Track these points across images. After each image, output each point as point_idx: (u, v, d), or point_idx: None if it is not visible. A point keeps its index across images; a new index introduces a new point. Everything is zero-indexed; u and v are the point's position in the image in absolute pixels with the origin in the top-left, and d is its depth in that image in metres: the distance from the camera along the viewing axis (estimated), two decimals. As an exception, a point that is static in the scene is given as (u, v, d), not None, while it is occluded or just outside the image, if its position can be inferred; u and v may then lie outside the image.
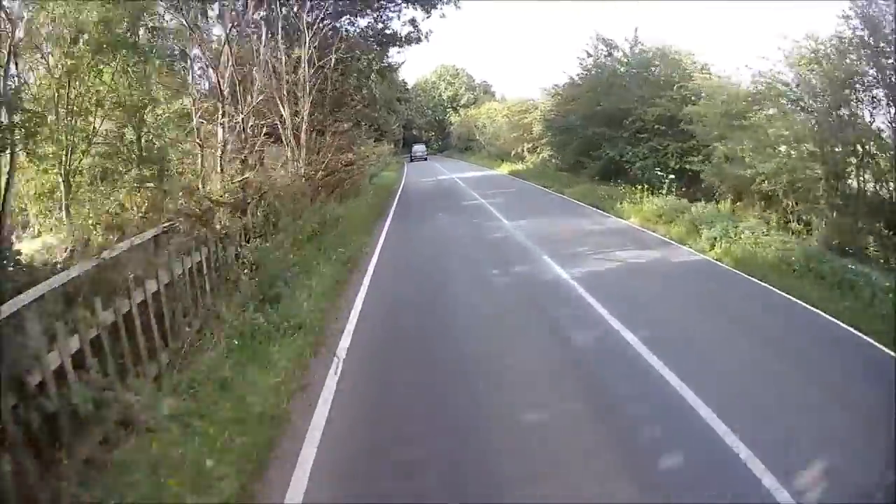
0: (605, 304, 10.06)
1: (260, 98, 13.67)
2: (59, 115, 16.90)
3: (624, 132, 28.67)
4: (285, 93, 18.37)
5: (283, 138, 18.31)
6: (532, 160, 44.39)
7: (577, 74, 34.23)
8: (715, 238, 15.41)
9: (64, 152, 17.07)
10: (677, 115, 26.70)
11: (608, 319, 9.35)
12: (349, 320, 9.65)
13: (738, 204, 19.76)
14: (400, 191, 32.00)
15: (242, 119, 11.77)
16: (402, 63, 26.43)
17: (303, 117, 18.63)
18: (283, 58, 18.70)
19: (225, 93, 12.26)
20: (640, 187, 22.09)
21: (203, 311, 8.28)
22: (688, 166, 25.61)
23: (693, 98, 26.55)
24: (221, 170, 11.76)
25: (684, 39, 65.44)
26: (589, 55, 32.74)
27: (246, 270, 10.01)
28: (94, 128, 18.34)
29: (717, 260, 14.09)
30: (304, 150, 18.50)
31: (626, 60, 31.35)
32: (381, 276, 12.84)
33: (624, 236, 17.06)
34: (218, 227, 10.32)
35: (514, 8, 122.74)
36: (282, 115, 18.06)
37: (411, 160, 66.70)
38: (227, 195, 11.52)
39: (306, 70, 18.56)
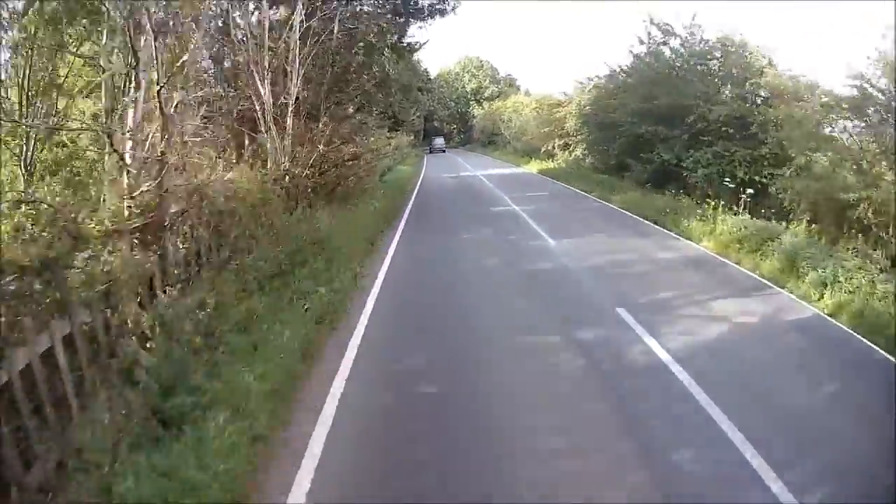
0: (744, 426, 5.83)
1: (193, 65, 9.01)
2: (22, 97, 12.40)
3: (682, 133, 23.84)
4: (267, 65, 13.75)
5: (263, 125, 13.73)
6: (563, 158, 39.51)
7: (626, 64, 29.30)
8: (824, 284, 11.20)
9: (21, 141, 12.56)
10: (748, 116, 22.17)
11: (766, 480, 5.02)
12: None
13: (813, 226, 15.91)
14: (416, 191, 27.35)
15: (158, 92, 7.13)
16: (425, 43, 21.54)
17: (289, 94, 14.00)
18: (267, 21, 14.14)
19: (142, 58, 7.62)
20: (711, 202, 17.37)
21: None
22: (757, 178, 21.35)
23: (762, 97, 22.38)
24: (126, 173, 7.14)
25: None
26: (641, 42, 27.69)
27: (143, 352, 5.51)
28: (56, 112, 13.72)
29: (830, 316, 10.03)
30: (289, 141, 13.88)
31: (682, 51, 26.32)
32: (373, 349, 8.01)
33: (707, 272, 12.61)
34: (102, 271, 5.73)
35: (542, 3, 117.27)
36: (260, 94, 13.48)
37: (430, 152, 64.41)
38: (130, 213, 6.92)
39: (297, 30, 13.91)
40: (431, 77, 78.23)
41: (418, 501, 4.75)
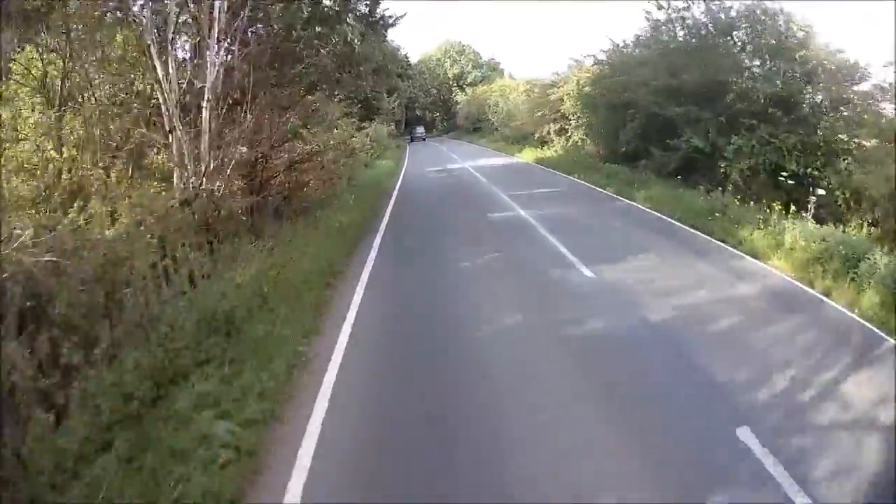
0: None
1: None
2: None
3: (717, 114, 19.54)
4: (171, 35, 9.17)
5: (167, 122, 9.17)
6: (560, 145, 35.05)
7: (642, 34, 24.95)
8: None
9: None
10: (794, 96, 18.12)
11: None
12: None
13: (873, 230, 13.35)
14: (395, 193, 22.29)
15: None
16: (402, 16, 16.72)
17: (208, 75, 9.42)
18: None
19: None
20: (778, 206, 13.32)
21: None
22: (809, 170, 18.01)
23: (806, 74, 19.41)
24: None
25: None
26: (660, 6, 23.14)
27: None
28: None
29: None
30: (205, 143, 9.31)
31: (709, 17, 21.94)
32: None
33: (807, 317, 8.63)
34: None
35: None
36: (157, 74, 8.92)
37: (411, 140, 61.41)
38: None
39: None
40: (411, 63, 73.72)
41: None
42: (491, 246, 12.43)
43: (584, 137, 33.27)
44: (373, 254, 12.12)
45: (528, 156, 34.70)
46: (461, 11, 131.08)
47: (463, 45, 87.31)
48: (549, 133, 37.14)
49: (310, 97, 13.92)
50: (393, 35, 66.76)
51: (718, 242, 12.73)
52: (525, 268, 10.91)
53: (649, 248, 12.01)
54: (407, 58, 69.07)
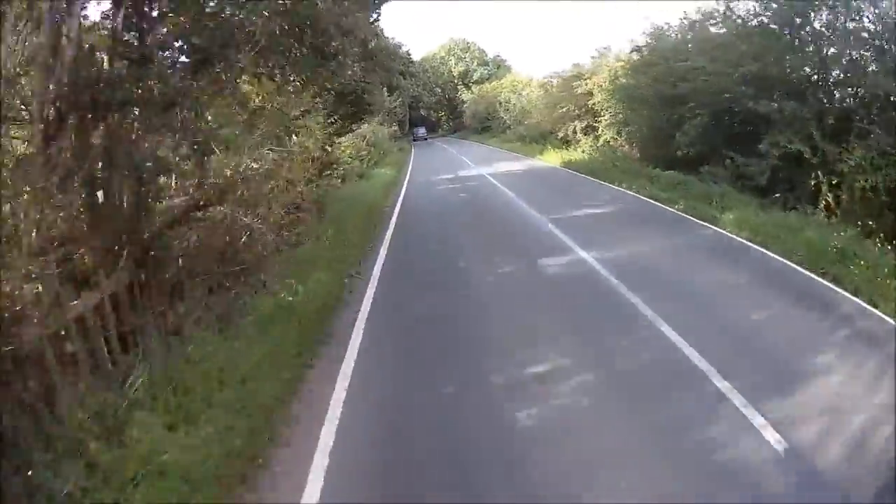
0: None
1: None
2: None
3: (820, 113, 14.21)
4: None
5: None
6: (588, 145, 29.46)
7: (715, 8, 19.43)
8: None
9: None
10: None
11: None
12: None
13: None
14: (394, 219, 15.96)
15: None
16: None
17: None
18: None
19: None
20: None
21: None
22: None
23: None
24: None
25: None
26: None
27: None
28: None
29: None
30: None
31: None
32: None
33: None
34: None
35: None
36: None
37: (414, 140, 57.43)
38: None
39: None
40: (414, 60, 68.35)
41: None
42: (568, 354, 6.42)
43: (617, 136, 27.74)
44: (337, 408, 5.50)
45: (551, 158, 29.00)
46: (463, 11, 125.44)
47: (468, 43, 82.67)
48: (573, 132, 31.56)
49: (250, 85, 8.40)
50: (393, 32, 61.34)
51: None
52: (655, 422, 5.09)
53: (816, 344, 6.44)
54: (409, 54, 63.93)
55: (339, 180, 17.90)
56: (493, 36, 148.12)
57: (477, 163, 30.63)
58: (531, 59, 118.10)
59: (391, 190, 21.64)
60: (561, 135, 32.59)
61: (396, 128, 47.98)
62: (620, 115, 26.88)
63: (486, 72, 77.05)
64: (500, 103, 51.06)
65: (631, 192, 17.33)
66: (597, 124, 29.60)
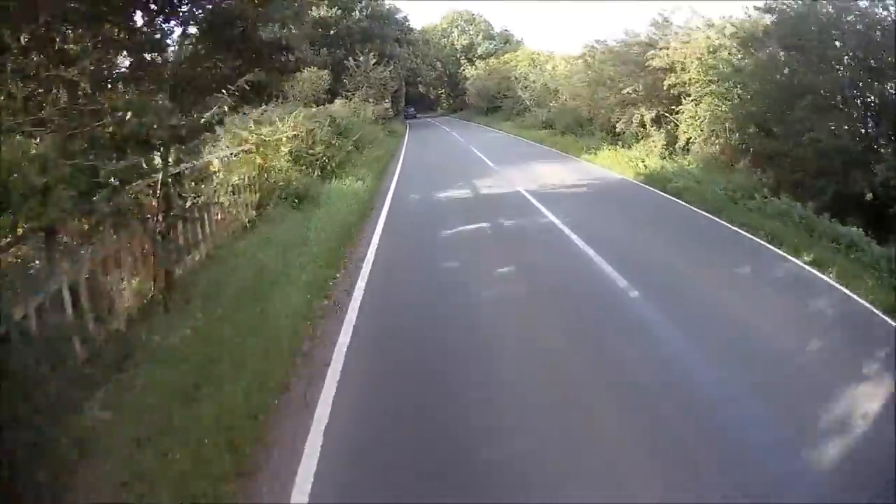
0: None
1: None
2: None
3: None
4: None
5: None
6: (661, 143, 19.02)
7: None
8: None
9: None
10: None
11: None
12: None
13: None
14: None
15: None
16: None
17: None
18: None
19: None
20: None
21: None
22: None
23: None
24: None
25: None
26: None
27: None
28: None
29: None
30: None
31: None
32: None
33: None
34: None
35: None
36: None
37: (406, 117, 50.01)
38: None
39: None
40: (413, 28, 57.41)
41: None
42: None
43: (714, 138, 17.43)
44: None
45: (612, 163, 18.25)
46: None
47: (472, 14, 73.52)
48: (640, 123, 20.94)
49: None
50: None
51: None
52: None
53: None
54: (407, 20, 52.98)
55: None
56: (499, 10, 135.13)
57: (499, 162, 19.97)
58: (541, 34, 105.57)
59: (347, 238, 10.23)
60: (619, 126, 21.93)
61: (389, 105, 37.12)
62: (725, 110, 16.61)
63: (491, 46, 68.22)
64: (517, 79, 40.19)
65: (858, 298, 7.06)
66: (674, 116, 19.11)
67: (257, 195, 10.56)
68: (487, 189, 15.23)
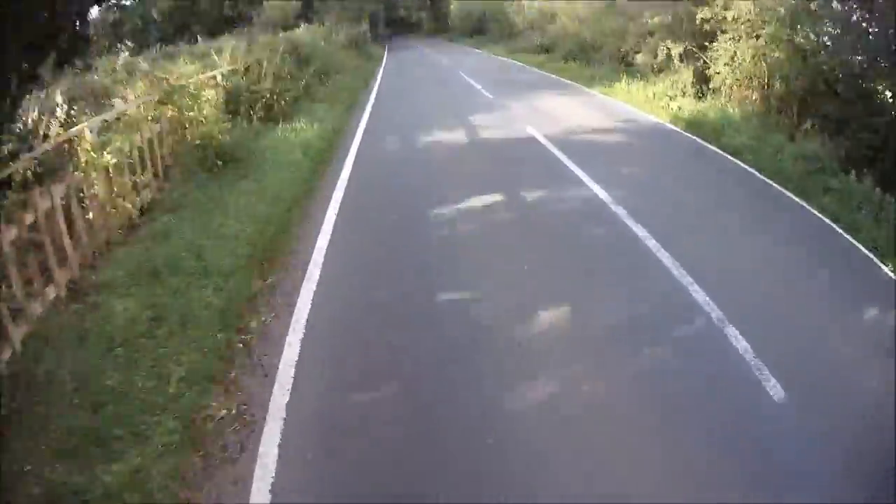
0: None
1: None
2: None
3: None
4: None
5: None
6: (691, 82, 15.28)
7: None
8: None
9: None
10: None
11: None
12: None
13: None
14: None
15: None
16: None
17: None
18: None
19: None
20: None
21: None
22: None
23: None
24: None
25: None
26: None
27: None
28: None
29: None
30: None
31: None
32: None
33: None
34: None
35: None
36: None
37: (384, 40, 41.40)
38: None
39: None
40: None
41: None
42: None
43: (756, 77, 13.85)
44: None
45: (637, 101, 14.68)
46: None
47: None
48: (666, 55, 16.94)
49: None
50: None
51: None
52: None
53: None
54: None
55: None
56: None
57: (497, 92, 16.20)
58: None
59: (265, 264, 5.86)
60: (639, 58, 18.01)
61: (366, 28, 32.32)
62: (780, 56, 12.94)
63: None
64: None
65: None
66: (705, 54, 15.29)
67: (160, 163, 6.89)
68: (488, 132, 11.55)
